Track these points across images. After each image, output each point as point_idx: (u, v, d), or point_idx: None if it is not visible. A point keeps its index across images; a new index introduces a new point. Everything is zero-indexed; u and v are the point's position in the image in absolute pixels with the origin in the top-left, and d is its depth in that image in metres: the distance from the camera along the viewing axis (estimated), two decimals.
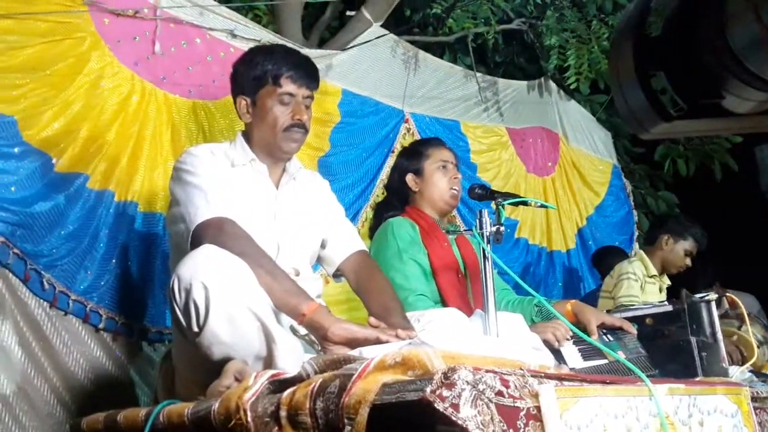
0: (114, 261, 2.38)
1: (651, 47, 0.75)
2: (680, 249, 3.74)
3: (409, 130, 3.54)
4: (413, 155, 2.53)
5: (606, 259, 4.21)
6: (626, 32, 0.78)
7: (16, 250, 2.13)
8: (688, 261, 3.76)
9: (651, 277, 3.66)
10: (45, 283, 2.19)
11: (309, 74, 1.98)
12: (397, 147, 3.39)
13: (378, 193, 3.27)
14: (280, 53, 2.00)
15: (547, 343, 2.07)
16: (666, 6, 0.76)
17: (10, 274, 2.13)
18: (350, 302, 2.14)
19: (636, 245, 4.82)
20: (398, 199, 2.51)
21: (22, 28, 2.26)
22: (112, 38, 2.49)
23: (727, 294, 3.10)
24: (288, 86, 1.93)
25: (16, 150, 2.19)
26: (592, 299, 3.78)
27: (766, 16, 0.63)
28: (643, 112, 0.76)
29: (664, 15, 0.76)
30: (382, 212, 2.51)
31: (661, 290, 3.67)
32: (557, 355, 2.09)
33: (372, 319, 1.72)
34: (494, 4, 4.23)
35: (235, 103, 2.01)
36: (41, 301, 2.20)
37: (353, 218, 3.13)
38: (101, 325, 2.31)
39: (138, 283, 2.44)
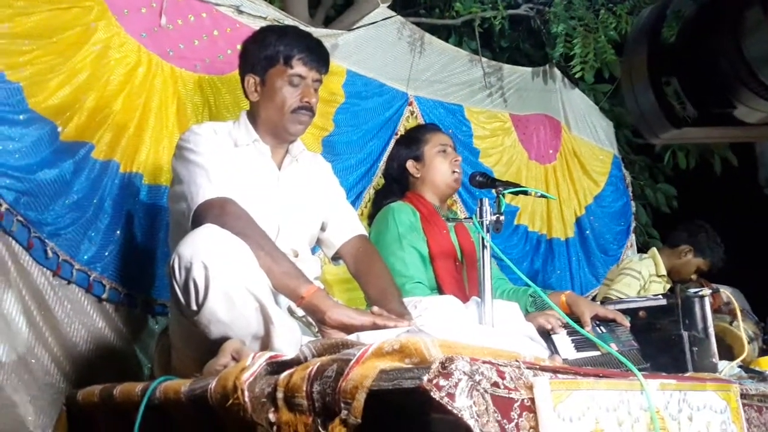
0: (118, 232, 2.36)
1: (665, 53, 0.76)
2: (695, 264, 3.71)
3: (412, 113, 3.52)
4: (411, 142, 2.53)
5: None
6: (641, 37, 0.78)
7: (19, 218, 2.12)
8: (695, 276, 3.75)
9: (659, 276, 3.65)
10: (48, 251, 2.18)
11: (320, 58, 1.98)
12: (401, 130, 3.36)
13: (381, 174, 3.26)
14: (293, 35, 1.99)
15: (540, 329, 2.10)
16: (682, 13, 0.76)
17: (14, 242, 2.12)
18: (353, 281, 2.15)
19: (633, 236, 4.83)
20: (398, 186, 2.52)
21: None
22: (119, 9, 2.47)
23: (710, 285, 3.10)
24: (299, 68, 1.94)
25: (21, 117, 2.17)
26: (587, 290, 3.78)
27: None
28: (655, 118, 0.77)
29: (679, 22, 0.76)
30: (381, 200, 2.51)
31: (664, 290, 3.67)
32: (550, 343, 2.11)
33: (375, 308, 1.74)
34: None
35: (242, 81, 2.01)
36: (44, 269, 2.18)
37: (356, 199, 3.13)
38: (104, 296, 2.30)
39: (142, 255, 2.43)
